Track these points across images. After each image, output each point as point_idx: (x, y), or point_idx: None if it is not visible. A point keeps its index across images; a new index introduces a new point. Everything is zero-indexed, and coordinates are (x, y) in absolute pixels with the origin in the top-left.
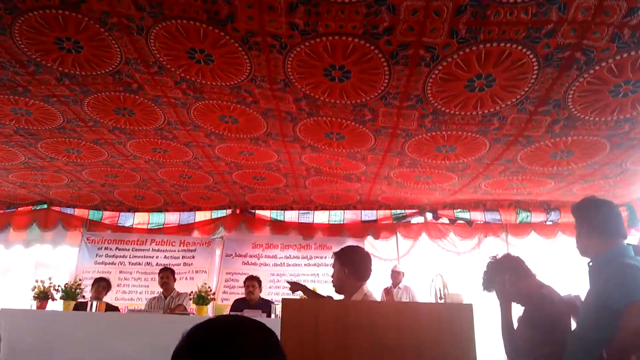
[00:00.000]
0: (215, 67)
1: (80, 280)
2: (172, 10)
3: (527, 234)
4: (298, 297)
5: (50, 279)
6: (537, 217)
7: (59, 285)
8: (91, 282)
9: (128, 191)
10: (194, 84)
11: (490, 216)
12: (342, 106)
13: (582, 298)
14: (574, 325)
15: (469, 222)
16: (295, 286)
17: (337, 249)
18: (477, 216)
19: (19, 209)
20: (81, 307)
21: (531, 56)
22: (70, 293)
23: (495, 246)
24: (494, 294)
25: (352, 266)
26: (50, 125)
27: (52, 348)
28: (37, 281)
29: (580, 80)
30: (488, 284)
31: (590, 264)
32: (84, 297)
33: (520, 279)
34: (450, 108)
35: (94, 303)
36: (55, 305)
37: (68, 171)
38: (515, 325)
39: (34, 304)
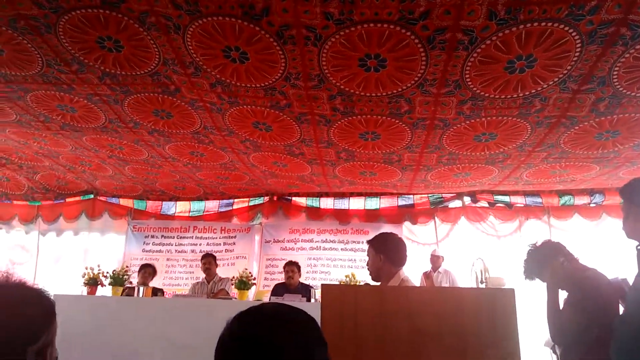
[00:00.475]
0: (250, 65)
1: (127, 266)
2: (208, 7)
3: (570, 216)
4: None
5: (99, 265)
6: (580, 200)
7: (107, 272)
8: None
9: (169, 182)
10: (229, 87)
11: (531, 199)
12: (377, 100)
13: (629, 281)
14: (621, 309)
15: (509, 205)
16: None
17: (373, 234)
18: (518, 199)
19: (67, 199)
20: (129, 292)
21: (574, 34)
22: (118, 279)
23: (538, 229)
24: (535, 280)
25: (386, 253)
26: (93, 123)
27: (102, 331)
28: (86, 268)
29: (627, 56)
30: (531, 272)
31: (639, 247)
32: (131, 282)
33: (568, 263)
34: (489, 92)
35: (141, 288)
36: (104, 290)
37: (112, 164)
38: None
39: (84, 290)
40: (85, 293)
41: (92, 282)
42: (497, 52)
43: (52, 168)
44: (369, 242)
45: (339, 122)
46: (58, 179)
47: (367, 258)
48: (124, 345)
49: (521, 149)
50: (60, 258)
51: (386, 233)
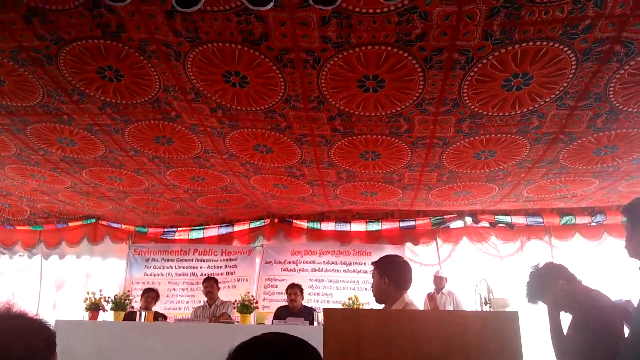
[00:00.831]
0: (250, 89)
1: (129, 291)
2: (208, 33)
3: (571, 236)
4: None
5: (100, 290)
6: (581, 219)
7: (109, 297)
8: (141, 292)
9: (169, 218)
10: (230, 111)
11: (533, 219)
12: (377, 119)
13: (634, 303)
14: (626, 332)
15: (510, 225)
16: None
17: (376, 255)
18: (519, 219)
19: (70, 224)
20: (131, 316)
21: (569, 52)
22: (119, 304)
23: (539, 249)
24: (538, 304)
25: (391, 275)
26: (93, 154)
27: (104, 357)
28: (88, 293)
29: (621, 72)
30: (533, 296)
31: None
32: (132, 307)
33: (569, 285)
34: (487, 110)
35: (143, 313)
36: (106, 315)
37: (111, 198)
38: (565, 331)
39: (86, 315)
40: (87, 318)
41: (94, 308)
42: (493, 70)
43: (51, 202)
44: (374, 264)
45: (339, 143)
46: (59, 209)
47: (370, 279)
48: None
49: (521, 166)
50: (62, 283)
51: (391, 255)
